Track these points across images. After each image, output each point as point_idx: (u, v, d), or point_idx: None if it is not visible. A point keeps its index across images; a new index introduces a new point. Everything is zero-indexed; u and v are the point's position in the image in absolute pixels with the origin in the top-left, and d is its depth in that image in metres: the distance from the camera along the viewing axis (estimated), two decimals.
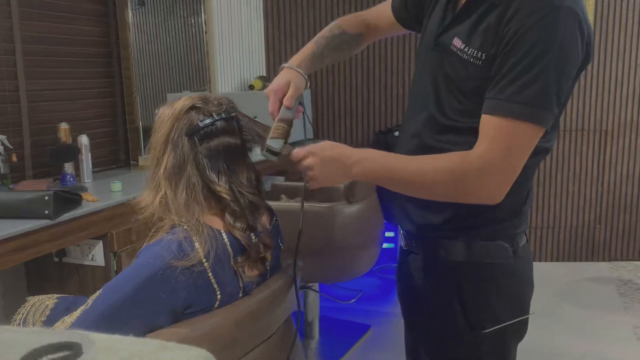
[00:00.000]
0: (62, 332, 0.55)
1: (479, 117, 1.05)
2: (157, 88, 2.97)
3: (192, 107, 1.14)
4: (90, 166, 2.36)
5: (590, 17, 3.52)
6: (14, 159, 2.15)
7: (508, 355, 1.20)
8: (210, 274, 1.07)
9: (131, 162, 2.73)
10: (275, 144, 1.17)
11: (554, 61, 0.99)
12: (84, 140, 2.34)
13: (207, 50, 3.26)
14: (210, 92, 3.27)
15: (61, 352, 0.48)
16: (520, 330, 1.19)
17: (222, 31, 3.43)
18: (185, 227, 1.08)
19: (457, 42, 1.08)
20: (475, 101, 1.07)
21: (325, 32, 1.38)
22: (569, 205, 3.77)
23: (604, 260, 3.78)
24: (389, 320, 2.98)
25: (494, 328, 1.14)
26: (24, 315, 1.34)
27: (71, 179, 2.25)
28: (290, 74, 1.26)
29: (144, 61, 2.83)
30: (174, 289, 1.03)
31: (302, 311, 1.40)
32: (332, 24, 1.39)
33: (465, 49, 1.07)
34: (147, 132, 2.82)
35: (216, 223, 1.13)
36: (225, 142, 1.15)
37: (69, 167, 2.26)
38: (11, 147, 2.12)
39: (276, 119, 1.21)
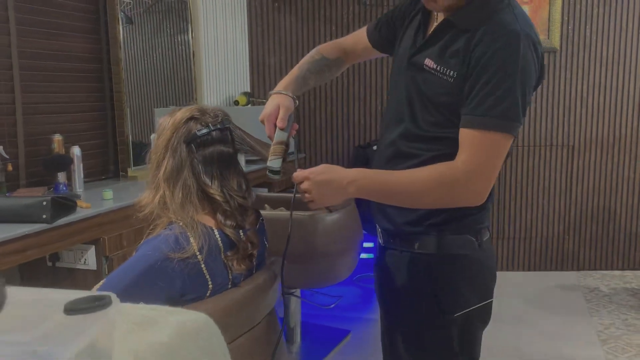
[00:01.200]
0: (89, 291, 0.67)
1: (446, 128, 1.22)
2: (145, 103, 3.09)
3: (191, 118, 1.28)
4: (82, 176, 2.47)
5: (557, 40, 3.75)
6: (10, 168, 2.25)
7: (475, 340, 1.33)
8: (203, 266, 1.20)
9: (120, 173, 2.84)
10: (274, 164, 1.27)
11: (518, 80, 1.15)
12: (76, 151, 2.44)
13: (194, 67, 3.40)
14: None
15: (95, 302, 0.60)
16: (485, 315, 1.33)
17: (209, 49, 3.57)
18: (181, 224, 1.21)
19: (430, 62, 1.24)
20: (444, 113, 1.23)
21: (306, 58, 1.51)
22: (539, 217, 3.95)
23: (572, 269, 3.96)
24: (368, 325, 3.10)
25: (463, 312, 1.28)
26: None
27: (64, 188, 2.35)
28: (279, 98, 1.37)
29: (133, 77, 2.95)
30: (171, 278, 1.16)
31: (287, 310, 1.52)
32: (312, 51, 1.52)
33: (438, 68, 1.22)
34: (136, 145, 2.94)
35: (209, 221, 1.26)
36: (219, 150, 1.28)
37: (61, 177, 2.37)
38: (7, 156, 2.22)
39: (273, 142, 1.32)
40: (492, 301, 1.34)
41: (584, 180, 3.90)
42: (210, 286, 1.21)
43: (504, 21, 1.17)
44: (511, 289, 3.66)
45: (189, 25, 3.38)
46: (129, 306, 0.76)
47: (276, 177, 1.29)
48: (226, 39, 3.76)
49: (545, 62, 3.73)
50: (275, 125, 1.33)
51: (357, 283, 3.68)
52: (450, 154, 1.20)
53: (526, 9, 3.75)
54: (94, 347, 0.59)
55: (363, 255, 3.62)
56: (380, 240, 1.43)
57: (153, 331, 0.69)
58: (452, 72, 1.20)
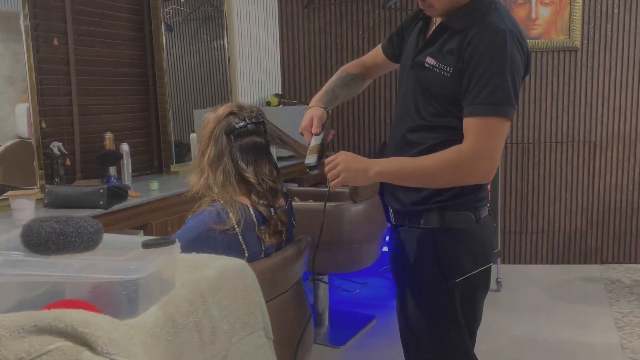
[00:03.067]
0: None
1: (445, 117, 1.42)
2: (185, 104, 3.35)
3: (231, 113, 1.51)
4: (130, 170, 2.73)
5: (578, 39, 3.86)
6: (68, 162, 2.53)
7: (476, 304, 1.52)
8: (240, 237, 1.42)
9: (164, 168, 3.10)
10: (310, 160, 1.46)
11: (507, 71, 1.33)
12: (125, 147, 2.71)
13: (229, 70, 3.65)
14: None
15: (164, 241, 0.81)
16: (484, 280, 1.52)
17: (243, 53, 3.82)
18: (222, 202, 1.43)
19: (430, 60, 1.44)
20: (443, 104, 1.43)
21: (334, 75, 1.73)
22: (562, 212, 4.06)
23: (595, 262, 4.06)
24: (392, 312, 3.28)
25: (463, 277, 1.46)
26: None
27: (115, 181, 2.61)
28: (312, 111, 1.59)
29: (174, 80, 3.21)
30: (214, 246, 1.38)
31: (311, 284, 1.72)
32: (339, 70, 1.74)
33: (437, 65, 1.42)
34: (177, 143, 3.20)
35: (244, 200, 1.48)
36: (253, 141, 1.51)
37: (112, 171, 2.64)
38: (66, 152, 2.50)
39: (310, 145, 1.52)
40: (490, 267, 1.53)
41: (606, 175, 3.99)
42: (247, 255, 1.43)
43: (491, 22, 1.35)
44: (533, 281, 3.78)
45: (225, 31, 3.64)
46: (183, 255, 0.98)
47: (314, 171, 1.47)
48: (259, 44, 4.01)
49: (567, 60, 3.88)
50: (312, 134, 1.54)
51: (382, 274, 3.86)
52: (450, 140, 1.39)
53: (548, 10, 3.88)
54: (162, 274, 0.81)
55: (386, 249, 3.81)
56: (392, 220, 1.62)
57: (204, 269, 0.91)
58: (448, 68, 1.39)
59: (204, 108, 3.51)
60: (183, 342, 0.74)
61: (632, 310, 3.20)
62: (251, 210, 1.46)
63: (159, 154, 3.12)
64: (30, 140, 2.35)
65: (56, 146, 2.46)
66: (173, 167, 3.09)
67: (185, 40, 3.39)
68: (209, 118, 1.51)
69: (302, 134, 1.56)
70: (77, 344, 0.62)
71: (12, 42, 2.28)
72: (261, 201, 1.48)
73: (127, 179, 2.72)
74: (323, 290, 2.99)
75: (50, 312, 0.64)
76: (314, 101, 1.63)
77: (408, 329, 1.59)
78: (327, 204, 2.76)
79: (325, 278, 2.96)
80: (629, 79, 3.88)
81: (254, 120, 1.51)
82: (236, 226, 1.41)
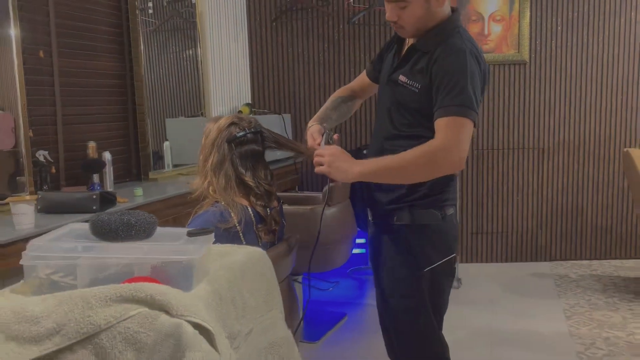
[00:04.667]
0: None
1: (416, 127, 1.64)
2: (156, 114, 3.45)
3: (232, 123, 1.68)
4: (112, 177, 2.84)
5: (526, 53, 4.19)
6: (53, 170, 2.62)
7: (442, 291, 1.74)
8: (241, 235, 1.59)
9: (142, 176, 3.21)
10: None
11: (468, 81, 1.54)
12: (107, 156, 2.82)
13: (202, 80, 3.79)
14: (205, 117, 3.79)
15: (204, 231, 0.98)
16: (448, 269, 1.74)
17: (214, 64, 3.97)
18: (223, 203, 1.60)
19: (403, 78, 1.67)
20: (415, 116, 1.65)
21: (328, 101, 1.95)
22: (514, 213, 4.37)
23: (545, 260, 4.38)
24: (362, 310, 3.49)
25: (429, 268, 1.68)
26: None
27: (98, 188, 2.72)
28: (309, 130, 1.78)
29: (147, 90, 3.31)
30: (218, 243, 1.54)
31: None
32: (331, 97, 1.96)
33: (408, 82, 1.65)
34: (153, 152, 3.31)
35: (244, 202, 1.65)
36: (251, 149, 1.68)
37: (96, 178, 2.74)
38: (51, 160, 2.59)
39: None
40: (454, 257, 1.75)
41: (554, 180, 4.33)
42: None
43: (454, 43, 1.58)
44: (488, 278, 4.07)
45: (197, 42, 3.77)
46: (212, 245, 1.14)
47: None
48: (230, 55, 4.16)
49: (516, 73, 4.20)
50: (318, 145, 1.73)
51: (350, 275, 4.07)
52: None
53: (500, 26, 4.20)
54: (201, 259, 0.97)
55: (355, 251, 4.02)
56: (370, 218, 1.83)
57: (231, 256, 1.08)
58: (417, 85, 1.62)
59: (176, 117, 3.63)
60: (226, 312, 0.91)
61: (578, 302, 3.51)
62: (250, 210, 1.63)
63: (137, 161, 3.23)
64: (8, 150, 2.43)
65: (42, 155, 2.54)
66: (151, 174, 3.21)
67: (155, 51, 3.49)
68: (211, 127, 1.68)
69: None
70: (154, 309, 0.78)
71: None
72: (259, 202, 1.66)
73: (109, 186, 2.82)
74: (298, 288, 3.15)
75: (131, 285, 0.79)
76: (310, 122, 1.84)
77: (386, 313, 1.80)
78: (303, 207, 2.95)
79: (300, 278, 3.13)
80: (572, 90, 4.24)
81: (252, 129, 1.68)
82: (238, 225, 1.57)
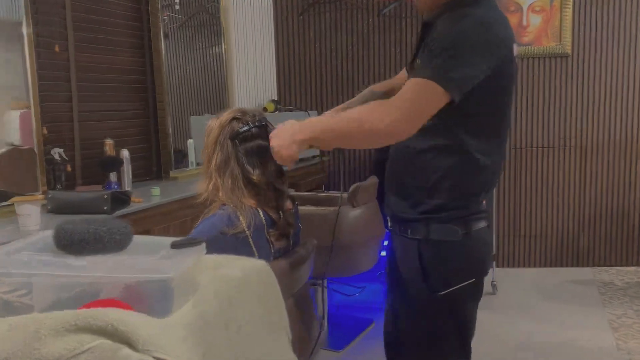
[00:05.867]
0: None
1: (436, 119, 1.35)
2: (181, 111, 3.36)
3: (234, 118, 1.53)
4: (131, 176, 2.74)
5: (568, 45, 3.93)
6: (69, 168, 2.53)
7: (465, 316, 1.49)
8: (251, 240, 1.44)
9: (163, 174, 3.12)
10: None
11: (461, 49, 1.28)
12: (125, 154, 2.72)
13: (226, 77, 3.67)
14: None
15: (192, 242, 0.84)
16: (474, 292, 1.49)
17: (239, 60, 3.85)
18: (231, 205, 1.46)
19: (418, 62, 1.45)
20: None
21: (358, 95, 1.73)
22: (554, 216, 4.12)
23: (587, 265, 4.12)
24: None
25: (448, 290, 1.42)
26: None
27: (115, 187, 2.62)
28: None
29: (170, 87, 3.23)
30: (225, 250, 1.39)
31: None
32: (364, 90, 1.75)
33: (420, 63, 1.42)
34: (175, 150, 3.21)
35: (253, 203, 1.50)
36: (258, 144, 1.53)
37: (113, 177, 2.64)
38: (67, 158, 2.50)
39: None
40: (476, 281, 1.48)
41: (597, 180, 4.05)
42: (256, 257, 1.45)
43: (462, 10, 1.34)
44: (526, 284, 3.83)
45: (221, 38, 3.66)
46: (205, 255, 1.00)
47: None
48: (255, 51, 4.04)
49: (557, 66, 3.94)
50: None
51: (379, 279, 3.89)
52: (444, 145, 1.39)
53: (539, 17, 3.95)
54: (190, 273, 0.83)
55: (384, 253, 3.84)
56: (389, 225, 1.63)
57: (227, 269, 0.93)
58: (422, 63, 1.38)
59: (200, 115, 3.53)
60: (213, 338, 0.77)
61: (626, 312, 3.26)
62: (260, 213, 1.49)
63: (157, 160, 3.13)
64: (24, 147, 2.35)
65: (57, 152, 2.46)
66: (172, 173, 3.11)
67: (181, 47, 3.41)
68: (212, 125, 1.54)
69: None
70: (116, 341, 0.64)
71: (3, 51, 2.29)
72: (269, 204, 1.51)
73: (127, 185, 2.73)
74: (322, 293, 3.00)
75: (90, 311, 0.66)
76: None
77: (394, 341, 1.58)
78: (325, 208, 2.79)
79: (324, 282, 2.98)
80: (618, 84, 3.96)
81: (257, 123, 1.53)
82: (247, 229, 1.43)
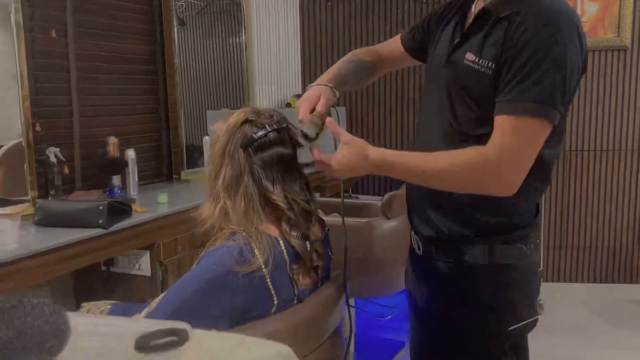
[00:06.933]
0: (163, 321, 0.58)
1: (491, 126, 1.13)
2: (198, 105, 3.05)
3: (246, 121, 1.19)
4: (137, 179, 2.44)
5: (628, 38, 3.51)
6: (66, 170, 2.24)
7: (525, 346, 1.27)
8: (268, 280, 1.11)
9: (174, 176, 2.81)
10: (309, 130, 1.18)
11: (556, 62, 1.07)
12: (130, 154, 2.42)
13: (246, 69, 3.35)
14: None
15: (169, 337, 0.51)
16: (535, 323, 1.27)
17: (261, 51, 3.52)
18: (244, 234, 1.12)
19: (470, 56, 1.17)
20: (486, 108, 1.15)
21: (344, 59, 1.48)
22: (605, 226, 3.72)
23: None
24: None
25: (518, 325, 1.21)
26: None
27: (119, 191, 2.32)
28: (320, 88, 1.31)
29: (186, 79, 2.92)
30: (234, 294, 1.07)
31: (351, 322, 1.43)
32: (349, 54, 1.50)
33: (478, 61, 1.16)
34: (189, 147, 2.90)
35: (273, 231, 1.17)
36: (278, 152, 1.20)
37: (116, 180, 2.34)
38: (64, 159, 2.20)
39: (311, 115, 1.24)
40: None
41: None
42: (276, 302, 1.12)
43: (545, 4, 1.11)
44: (575, 301, 3.46)
45: (242, 27, 3.33)
46: (205, 334, 0.66)
47: (308, 143, 1.19)
48: (278, 40, 3.70)
49: (615, 60, 3.53)
50: (312, 111, 1.25)
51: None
52: None
53: (596, 5, 3.54)
54: None
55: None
56: (420, 248, 1.33)
57: None
58: (490, 64, 1.13)
59: (218, 109, 3.21)
60: None
61: None
62: (282, 243, 1.15)
63: (168, 160, 2.83)
64: (11, 146, 2.07)
65: (52, 152, 2.16)
66: (184, 175, 2.80)
67: (199, 36, 3.10)
68: (219, 130, 1.20)
69: (298, 107, 1.27)
70: None
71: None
72: (294, 232, 1.17)
73: (132, 189, 2.43)
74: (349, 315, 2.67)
75: None
76: (322, 79, 1.36)
77: None
78: (356, 219, 2.45)
79: (352, 301, 2.64)
80: None
81: (275, 126, 1.20)
82: (263, 267, 1.10)
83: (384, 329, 3.02)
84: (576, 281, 3.77)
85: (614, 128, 3.63)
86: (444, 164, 1.13)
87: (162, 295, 1.12)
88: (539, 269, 1.30)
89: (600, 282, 3.75)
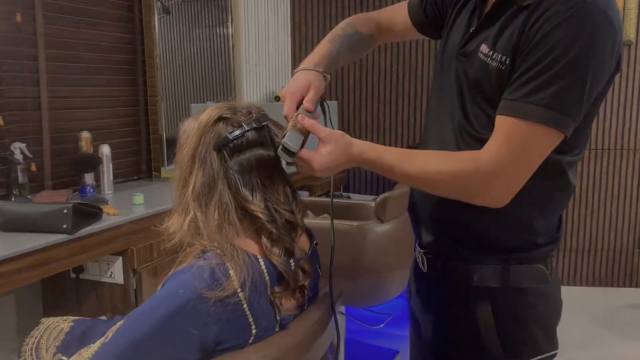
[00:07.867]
0: None
1: None
2: (180, 98, 2.88)
3: (220, 118, 1.02)
4: (112, 177, 2.27)
5: (632, 32, 3.38)
6: (33, 168, 2.06)
7: None
8: (245, 307, 0.95)
9: (153, 173, 2.64)
10: (292, 140, 1.00)
11: (581, 62, 0.91)
12: (105, 150, 2.25)
13: (233, 60, 3.17)
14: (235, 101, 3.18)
15: None
16: (552, 358, 1.12)
17: (249, 41, 3.34)
18: (218, 251, 0.96)
19: (484, 48, 1.02)
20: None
21: (338, 31, 1.29)
22: (606, 228, 3.59)
23: None
24: None
25: (538, 358, 1.07)
26: (37, 338, 1.23)
27: (91, 190, 2.15)
28: (309, 75, 1.13)
29: (169, 70, 2.75)
30: (205, 323, 0.91)
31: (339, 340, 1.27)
32: (344, 23, 1.31)
33: (491, 54, 1.00)
34: (171, 142, 2.73)
35: (251, 247, 1.00)
36: (257, 155, 1.03)
37: (89, 178, 2.17)
38: (30, 155, 2.03)
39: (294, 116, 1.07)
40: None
41: None
42: (254, 331, 0.96)
43: None
44: (573, 305, 3.32)
45: (229, 16, 3.16)
46: None
47: (288, 158, 1.01)
48: (267, 31, 3.52)
49: None
50: (298, 105, 1.09)
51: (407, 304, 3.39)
52: None
53: None
54: None
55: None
56: (423, 267, 1.18)
57: None
58: (504, 58, 0.97)
59: (203, 102, 3.04)
60: None
61: None
62: (262, 262, 0.99)
63: (147, 156, 2.65)
64: None
65: (18, 148, 1.99)
66: (164, 172, 2.62)
67: (184, 24, 2.92)
68: (188, 130, 1.03)
69: (283, 98, 1.11)
70: None
71: None
72: (275, 249, 1.01)
73: (107, 188, 2.26)
74: (339, 322, 2.52)
75: None
76: (311, 62, 1.17)
77: None
78: (347, 222, 2.30)
79: (342, 308, 2.49)
80: None
81: (254, 124, 1.03)
82: (239, 290, 0.93)
83: (376, 337, 2.88)
84: (573, 284, 3.65)
85: (616, 126, 3.50)
86: (430, 170, 1.01)
87: (120, 322, 0.95)
88: (559, 292, 1.14)
89: (599, 285, 3.63)
